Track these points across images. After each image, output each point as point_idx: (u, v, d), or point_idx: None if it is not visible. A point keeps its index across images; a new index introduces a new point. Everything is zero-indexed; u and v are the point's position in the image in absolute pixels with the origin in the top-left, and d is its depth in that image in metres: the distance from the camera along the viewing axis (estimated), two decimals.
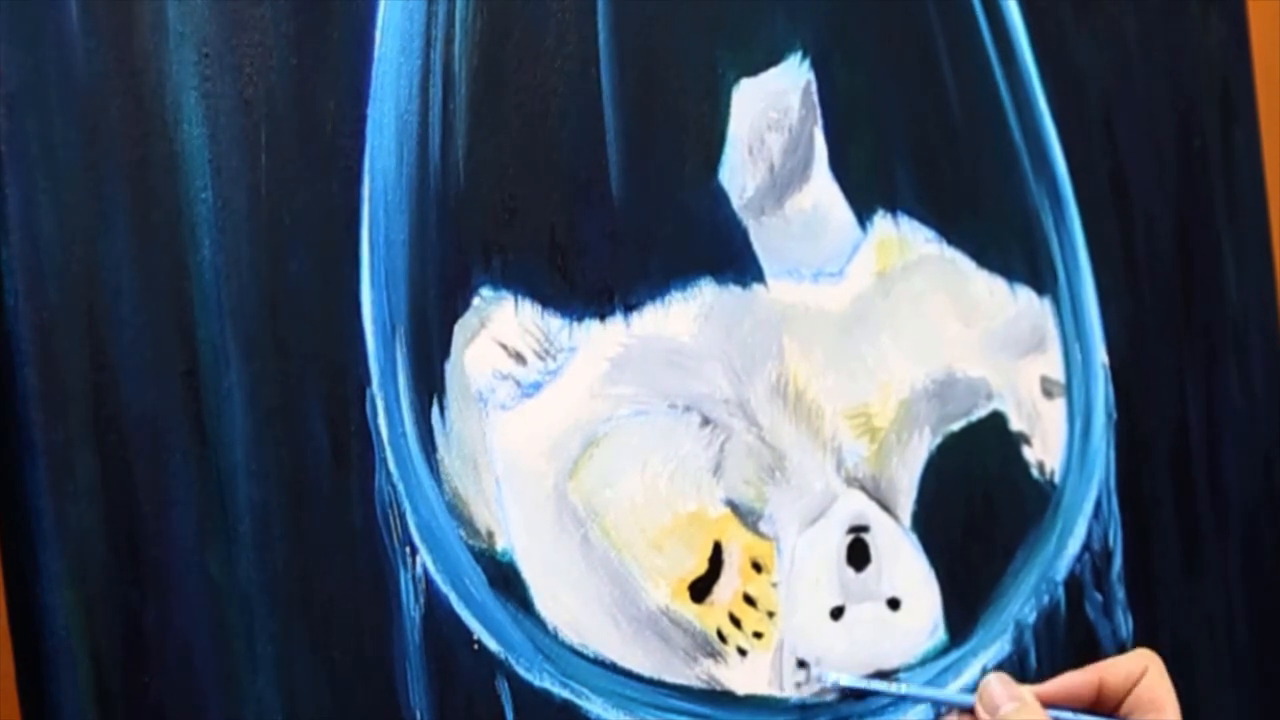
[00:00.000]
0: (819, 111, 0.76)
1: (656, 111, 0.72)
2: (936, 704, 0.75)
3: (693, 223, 0.73)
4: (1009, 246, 0.82)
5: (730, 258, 0.73)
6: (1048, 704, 0.71)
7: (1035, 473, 0.82)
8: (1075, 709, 0.71)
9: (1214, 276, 0.92)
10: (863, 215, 0.77)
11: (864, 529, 0.76)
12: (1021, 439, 0.81)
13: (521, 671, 0.67)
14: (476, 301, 0.67)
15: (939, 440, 0.79)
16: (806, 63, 0.76)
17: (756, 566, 0.73)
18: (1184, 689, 0.87)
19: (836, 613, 0.75)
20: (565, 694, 0.68)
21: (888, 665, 0.76)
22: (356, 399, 0.64)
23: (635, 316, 0.71)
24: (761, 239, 0.74)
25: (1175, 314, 0.90)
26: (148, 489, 0.60)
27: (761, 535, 0.73)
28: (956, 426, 0.79)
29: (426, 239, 0.66)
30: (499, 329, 0.68)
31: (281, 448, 0.63)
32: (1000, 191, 0.82)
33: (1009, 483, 0.81)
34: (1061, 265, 0.84)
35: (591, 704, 0.69)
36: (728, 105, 0.74)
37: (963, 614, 0.79)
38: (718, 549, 0.72)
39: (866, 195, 0.77)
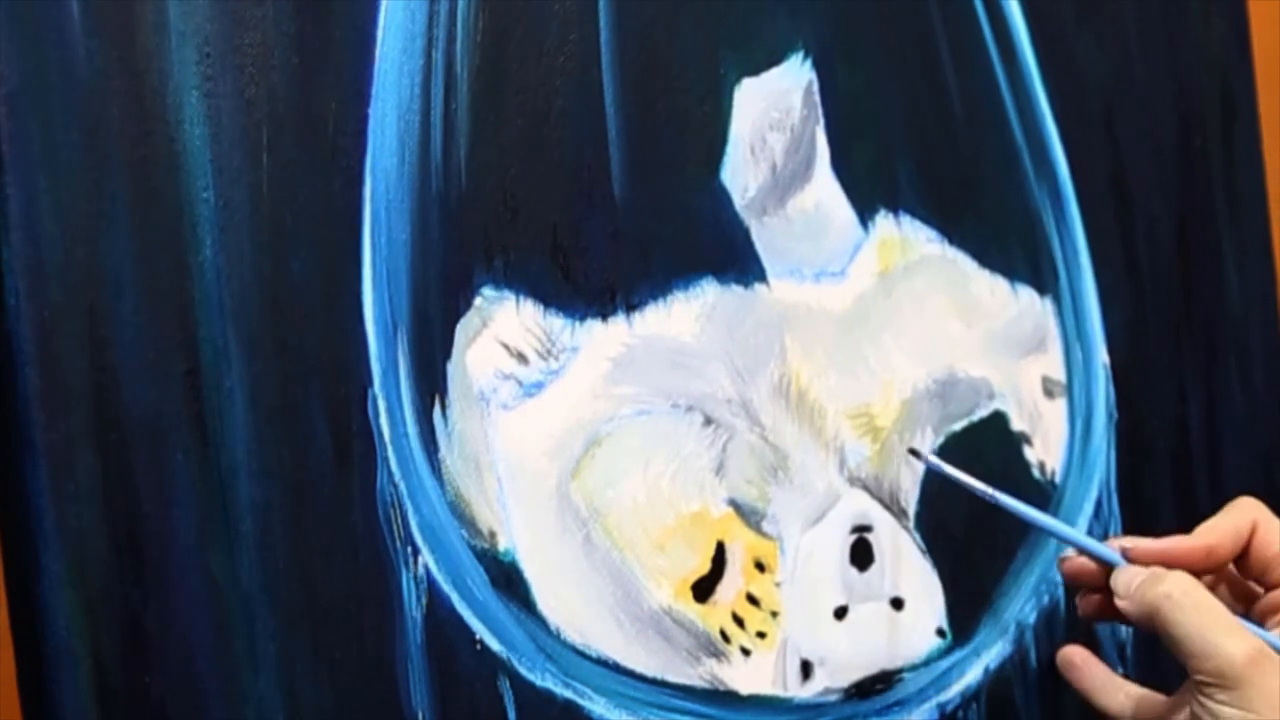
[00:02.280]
0: (821, 111, 0.76)
1: (658, 111, 0.72)
2: (1076, 545, 0.72)
3: (695, 222, 0.72)
4: (1010, 246, 0.82)
5: (732, 257, 0.73)
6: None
7: (1036, 473, 0.82)
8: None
9: (1214, 276, 0.92)
10: (865, 215, 0.77)
11: (867, 529, 0.76)
12: (1023, 439, 0.82)
13: (524, 672, 0.67)
14: (478, 301, 0.67)
15: (941, 440, 0.79)
16: (808, 62, 0.76)
17: (759, 566, 0.73)
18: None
19: (840, 612, 0.75)
20: (568, 694, 0.68)
21: (891, 665, 0.76)
22: (358, 399, 0.64)
23: (637, 316, 0.71)
24: (763, 239, 0.74)
25: (1176, 314, 0.90)
26: (149, 489, 0.60)
27: (764, 535, 0.73)
28: (958, 426, 0.79)
29: (428, 239, 0.66)
30: (501, 329, 0.68)
31: (283, 448, 0.63)
32: (1002, 191, 0.82)
33: (1010, 482, 0.81)
34: (1063, 265, 0.84)
35: (594, 704, 0.69)
36: (729, 105, 0.74)
37: (966, 614, 0.79)
38: (720, 549, 0.72)
39: (868, 195, 0.77)
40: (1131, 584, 0.68)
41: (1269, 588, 0.69)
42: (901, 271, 0.78)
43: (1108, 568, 0.70)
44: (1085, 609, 0.72)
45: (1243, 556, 0.69)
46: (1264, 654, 0.64)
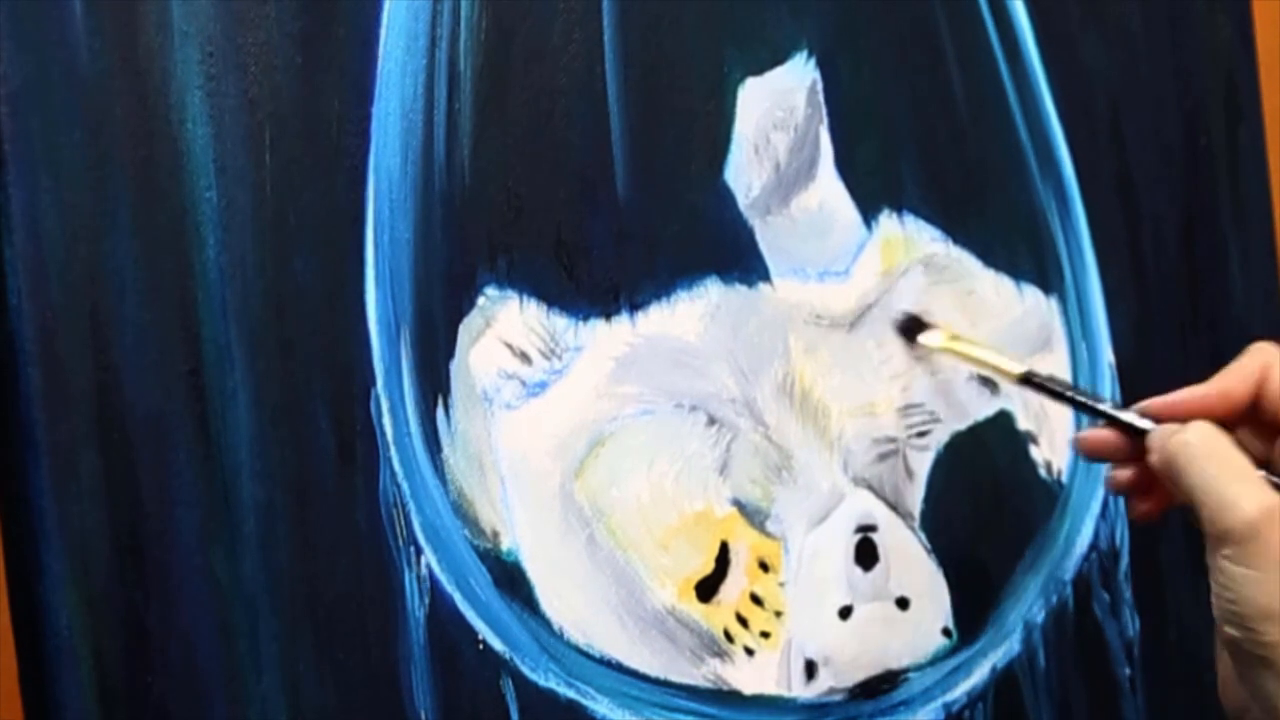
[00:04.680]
0: (825, 110, 0.76)
1: (662, 111, 0.72)
2: (1107, 417, 0.69)
3: (699, 222, 0.72)
4: (1015, 246, 0.82)
5: (736, 257, 0.73)
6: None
7: (1043, 472, 0.82)
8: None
9: (1219, 275, 0.92)
10: (868, 214, 0.77)
11: (872, 528, 0.76)
12: (1029, 438, 0.81)
13: (527, 671, 0.67)
14: (481, 301, 0.67)
15: (946, 439, 0.78)
16: (812, 62, 0.76)
17: (763, 566, 0.73)
18: (1190, 687, 0.87)
19: (845, 612, 0.75)
20: (571, 694, 0.68)
21: (897, 665, 0.76)
22: (361, 399, 0.64)
23: (641, 316, 0.71)
24: (767, 238, 0.74)
25: (1181, 313, 0.89)
26: (151, 489, 0.60)
27: (768, 535, 0.73)
28: (964, 426, 0.79)
29: (431, 238, 0.66)
30: (504, 328, 0.68)
31: (286, 447, 0.63)
32: (1006, 190, 0.82)
33: (1017, 482, 0.81)
34: (1068, 264, 0.84)
35: (597, 704, 0.69)
36: (733, 104, 0.74)
37: (971, 613, 0.78)
38: (724, 548, 0.72)
39: (872, 194, 0.77)
40: (1159, 439, 0.65)
41: None
42: (905, 271, 0.78)
43: (1129, 437, 0.67)
44: (1116, 484, 0.69)
45: (1258, 400, 0.65)
46: (1278, 511, 0.60)
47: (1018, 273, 0.82)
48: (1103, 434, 0.68)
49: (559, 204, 0.69)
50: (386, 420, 0.65)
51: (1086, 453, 0.70)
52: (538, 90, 0.69)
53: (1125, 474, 0.68)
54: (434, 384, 0.66)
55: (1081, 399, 0.72)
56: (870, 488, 0.76)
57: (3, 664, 0.59)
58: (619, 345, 0.70)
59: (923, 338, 0.76)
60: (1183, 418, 0.65)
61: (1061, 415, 0.83)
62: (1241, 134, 0.93)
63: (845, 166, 0.76)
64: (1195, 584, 0.88)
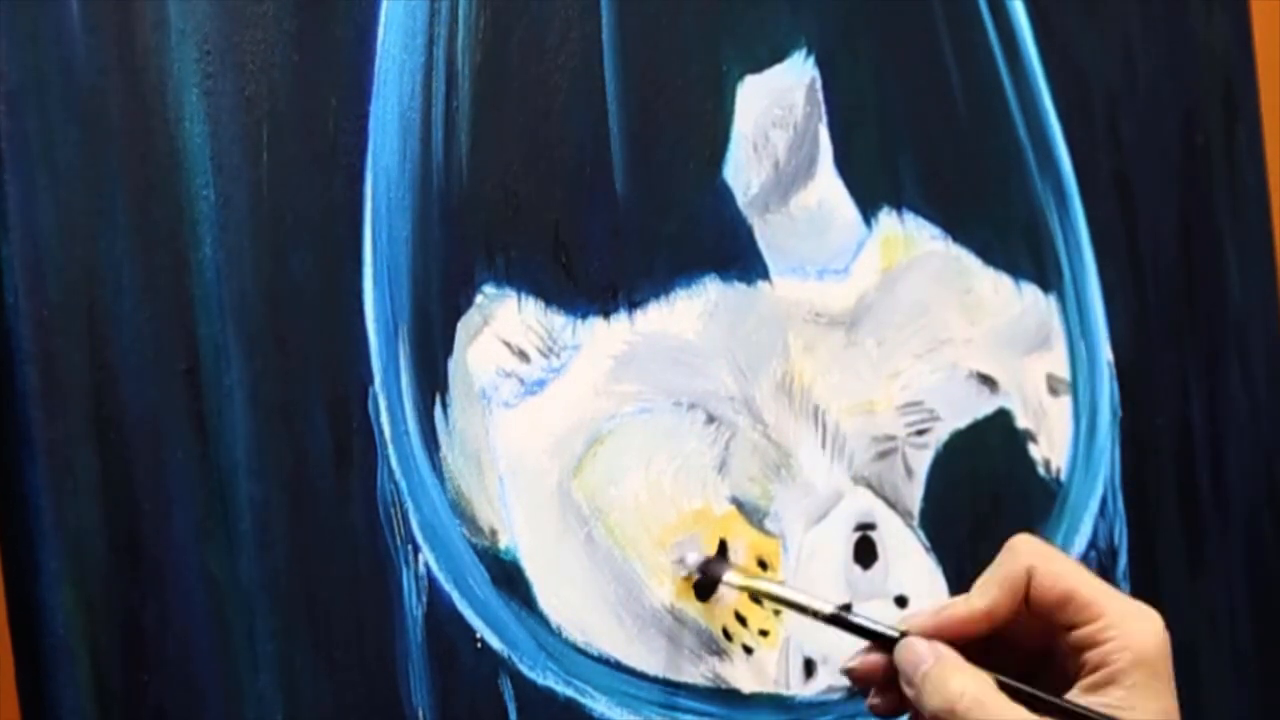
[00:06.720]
0: (824, 108, 0.76)
1: (660, 108, 0.72)
2: (863, 633, 0.65)
3: (697, 220, 0.72)
4: (1014, 244, 0.82)
5: (735, 255, 0.73)
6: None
7: (1041, 470, 0.82)
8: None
9: (1217, 274, 0.92)
10: (868, 212, 0.77)
11: (871, 526, 0.76)
12: (1028, 436, 0.81)
13: (525, 670, 0.67)
14: (480, 299, 0.67)
15: (945, 438, 0.78)
16: (811, 59, 0.76)
17: (762, 564, 0.73)
18: (1188, 685, 0.87)
19: (843, 610, 0.75)
20: (569, 692, 0.68)
21: None
22: (359, 397, 0.64)
23: (639, 314, 0.71)
24: (766, 236, 0.74)
25: (1179, 311, 0.89)
26: (148, 487, 0.60)
27: (767, 533, 0.73)
28: (963, 424, 0.79)
29: (429, 236, 0.66)
30: (502, 326, 0.68)
31: (283, 446, 0.62)
32: (1005, 189, 0.82)
33: (1015, 480, 0.81)
34: (1067, 262, 0.84)
35: (596, 702, 0.69)
36: (732, 102, 0.73)
37: None
38: (723, 546, 0.72)
39: (871, 192, 0.77)
40: (918, 669, 0.62)
41: (1065, 626, 0.63)
42: (905, 269, 0.78)
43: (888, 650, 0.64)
44: (880, 709, 0.65)
45: (1027, 602, 0.63)
46: None
47: (1017, 271, 0.82)
48: (876, 661, 0.65)
49: (557, 202, 0.69)
50: (384, 418, 0.65)
51: (862, 680, 0.66)
52: (536, 88, 0.69)
53: (892, 697, 0.65)
54: (432, 382, 0.66)
55: (874, 628, 0.67)
56: (869, 486, 0.76)
57: None
58: (617, 343, 0.70)
59: (726, 577, 0.70)
60: (954, 639, 0.63)
61: (1061, 414, 0.83)
62: (1238, 132, 0.93)
63: (844, 164, 0.76)
64: (1191, 583, 0.88)
